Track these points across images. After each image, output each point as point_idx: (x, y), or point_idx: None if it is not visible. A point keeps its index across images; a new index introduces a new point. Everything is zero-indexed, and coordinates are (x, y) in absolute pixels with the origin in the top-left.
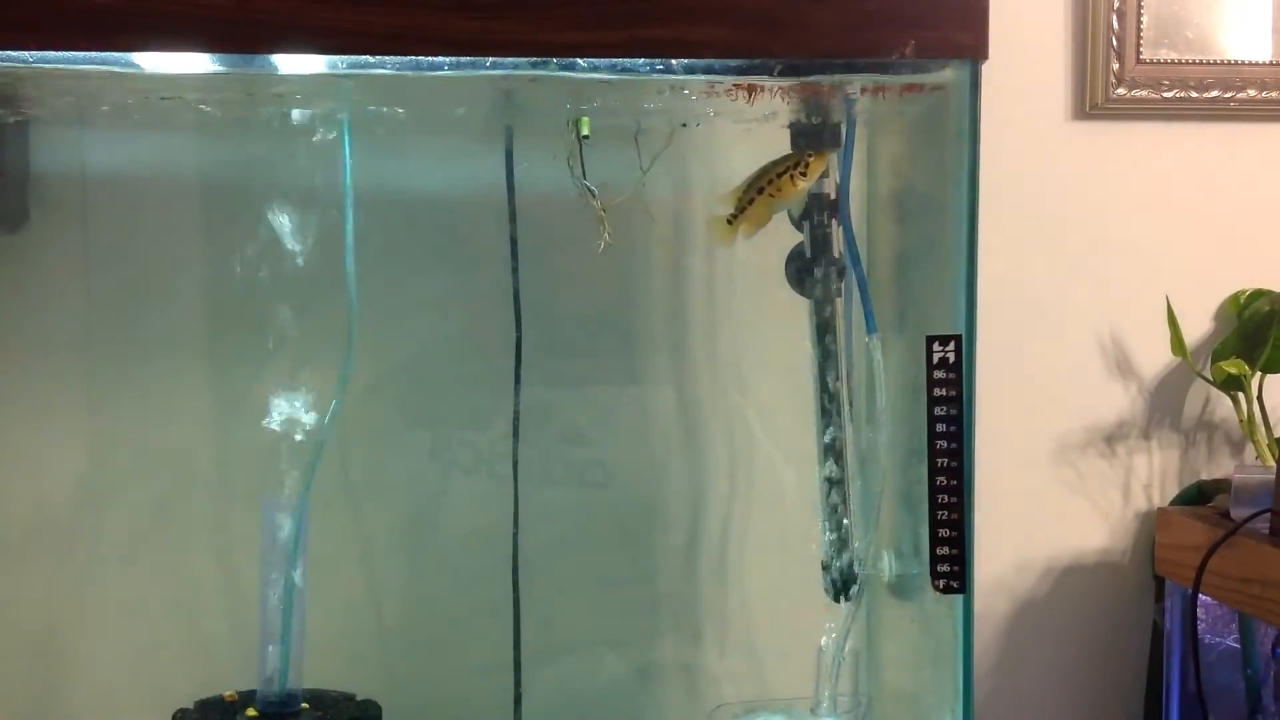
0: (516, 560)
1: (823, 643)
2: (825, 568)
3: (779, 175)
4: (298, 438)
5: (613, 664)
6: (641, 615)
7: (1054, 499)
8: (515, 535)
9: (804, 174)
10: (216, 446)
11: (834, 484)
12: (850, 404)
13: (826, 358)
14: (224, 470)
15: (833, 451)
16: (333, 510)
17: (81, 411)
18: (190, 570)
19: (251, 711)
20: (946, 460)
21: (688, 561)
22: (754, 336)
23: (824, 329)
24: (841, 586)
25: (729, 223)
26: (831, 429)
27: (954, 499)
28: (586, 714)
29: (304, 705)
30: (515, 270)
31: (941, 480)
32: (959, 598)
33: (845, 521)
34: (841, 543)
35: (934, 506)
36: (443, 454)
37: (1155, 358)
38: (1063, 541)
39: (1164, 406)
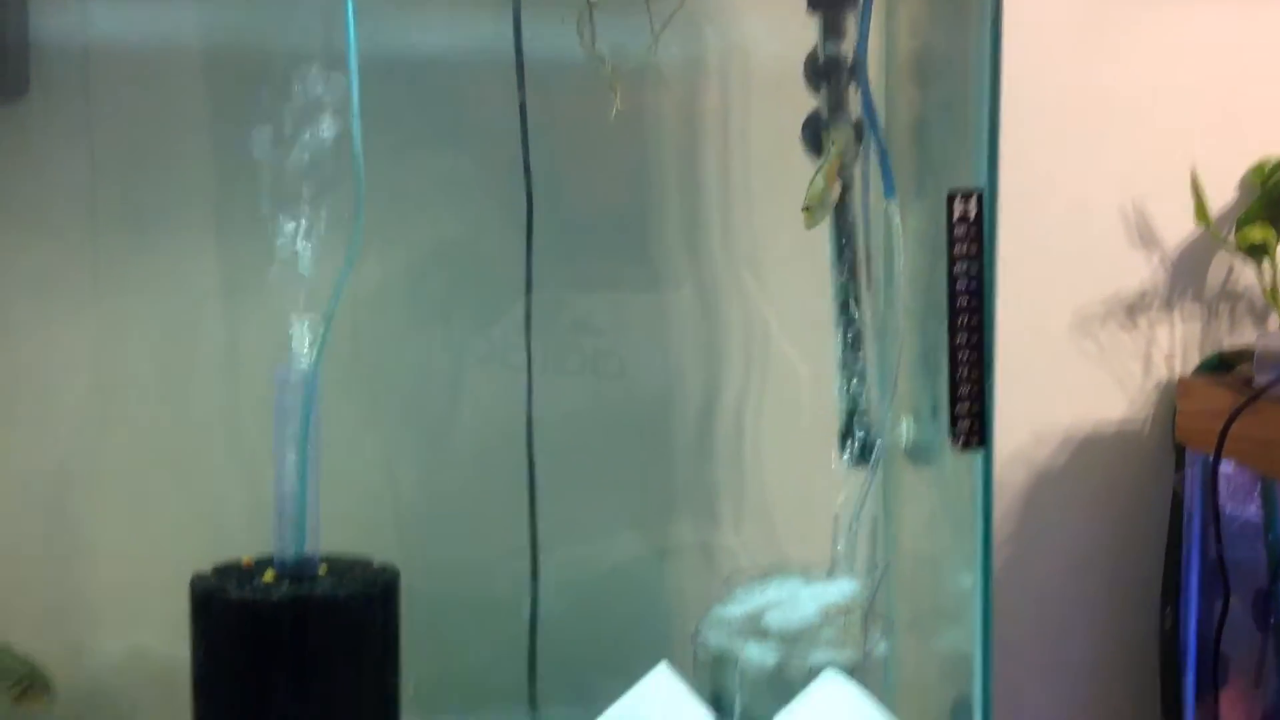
0: (531, 439)
1: (840, 509)
2: (842, 435)
3: (826, 163)
4: (307, 311)
5: (628, 543)
6: (657, 495)
7: (1073, 370)
8: (529, 412)
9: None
10: (225, 320)
11: (851, 350)
12: (868, 270)
13: (843, 223)
14: (233, 343)
15: (849, 317)
16: (345, 387)
17: (88, 285)
18: (203, 441)
19: (269, 575)
20: (967, 317)
21: (702, 440)
22: (770, 211)
23: (841, 191)
24: (858, 453)
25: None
26: (848, 295)
27: (974, 355)
28: (603, 589)
29: (321, 569)
30: (525, 140)
31: (961, 337)
32: (978, 457)
33: (862, 388)
34: (858, 409)
35: (954, 364)
36: (453, 333)
37: (1178, 227)
38: (1082, 412)
39: (1186, 276)
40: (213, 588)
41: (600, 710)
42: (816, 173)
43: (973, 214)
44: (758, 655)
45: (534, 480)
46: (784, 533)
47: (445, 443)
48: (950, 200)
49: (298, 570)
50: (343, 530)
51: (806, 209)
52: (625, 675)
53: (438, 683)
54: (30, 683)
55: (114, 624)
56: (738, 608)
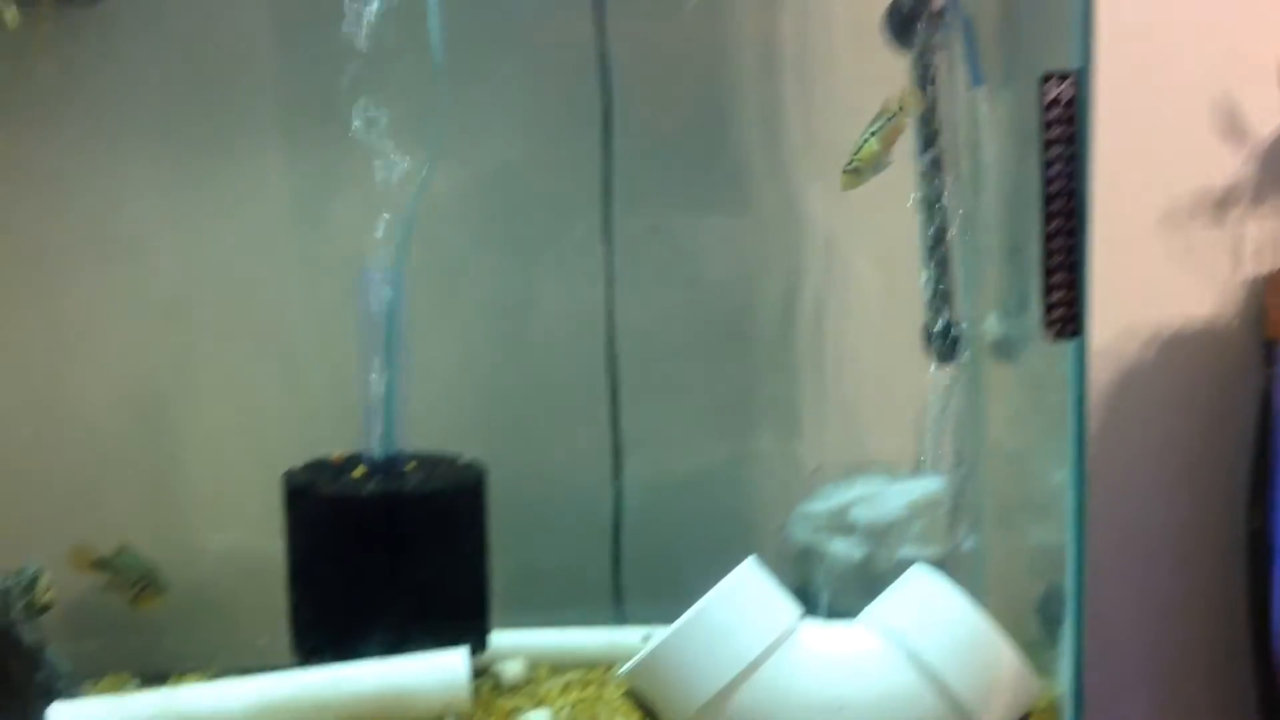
0: (613, 342)
1: (925, 407)
2: (927, 332)
3: (884, 125)
4: (388, 213)
5: (710, 445)
6: (738, 398)
7: (1161, 265)
8: (610, 315)
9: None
10: (311, 222)
11: (936, 245)
12: (954, 162)
13: (929, 113)
14: (319, 245)
15: (934, 212)
16: (430, 289)
17: (172, 189)
18: (292, 343)
19: (359, 471)
20: (1062, 202)
21: (784, 343)
22: (850, 107)
23: (925, 83)
24: (944, 350)
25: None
26: (933, 189)
27: (1068, 242)
28: (686, 490)
29: (409, 466)
30: (601, 42)
31: (1056, 224)
32: (1071, 348)
33: (947, 284)
34: (943, 306)
35: (1047, 252)
36: (533, 237)
37: (1269, 119)
38: (1170, 308)
39: (1277, 170)
40: (304, 483)
41: (683, 607)
42: (873, 133)
43: (1067, 97)
44: (844, 550)
45: (616, 382)
46: (866, 433)
47: (528, 346)
48: (1044, 82)
49: (386, 466)
50: (429, 429)
51: (854, 170)
52: (707, 574)
53: (523, 580)
54: (146, 584)
55: (209, 521)
56: (823, 504)
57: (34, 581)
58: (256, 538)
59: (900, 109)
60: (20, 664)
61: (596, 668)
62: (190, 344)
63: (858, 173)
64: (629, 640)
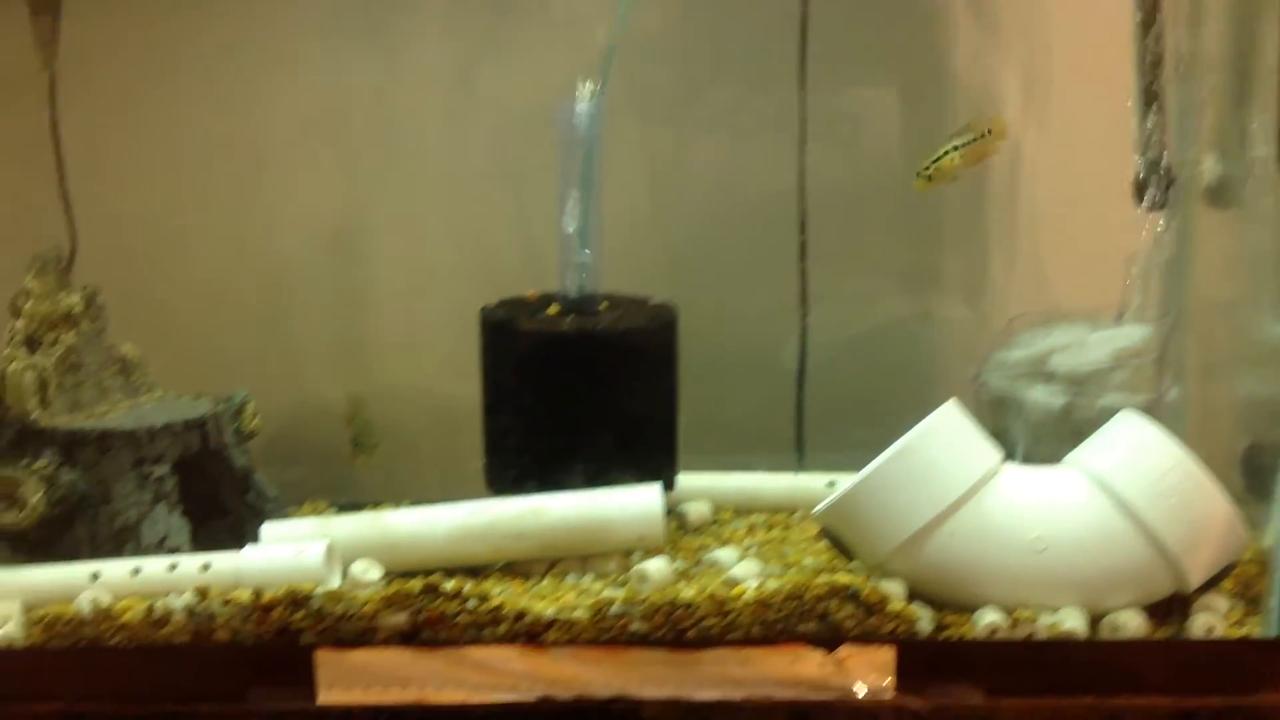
0: (804, 197)
1: (1132, 252)
2: (1138, 177)
3: (969, 143)
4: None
5: (896, 301)
6: (929, 249)
7: None
8: (802, 166)
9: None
10: (505, 61)
11: (1151, 82)
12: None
13: None
14: (512, 85)
15: (1148, 50)
16: (624, 133)
17: (365, 28)
18: (479, 185)
19: (554, 308)
20: None
21: (979, 193)
22: None
23: None
24: (1157, 193)
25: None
26: (1148, 26)
27: None
28: (872, 342)
29: (601, 305)
30: None
31: None
32: None
33: (1162, 124)
34: (1155, 149)
35: None
36: (729, 88)
37: None
38: None
39: None
40: (503, 318)
41: (865, 458)
42: (955, 147)
43: None
44: (1043, 397)
45: (805, 235)
46: (1059, 285)
47: (720, 196)
48: None
49: (580, 305)
50: (618, 271)
51: (928, 178)
52: (891, 425)
53: (707, 426)
54: (362, 439)
55: (399, 360)
56: (1021, 351)
57: (242, 407)
58: (443, 378)
59: (989, 132)
60: (231, 485)
61: (779, 512)
62: (380, 182)
63: (931, 180)
64: (813, 486)
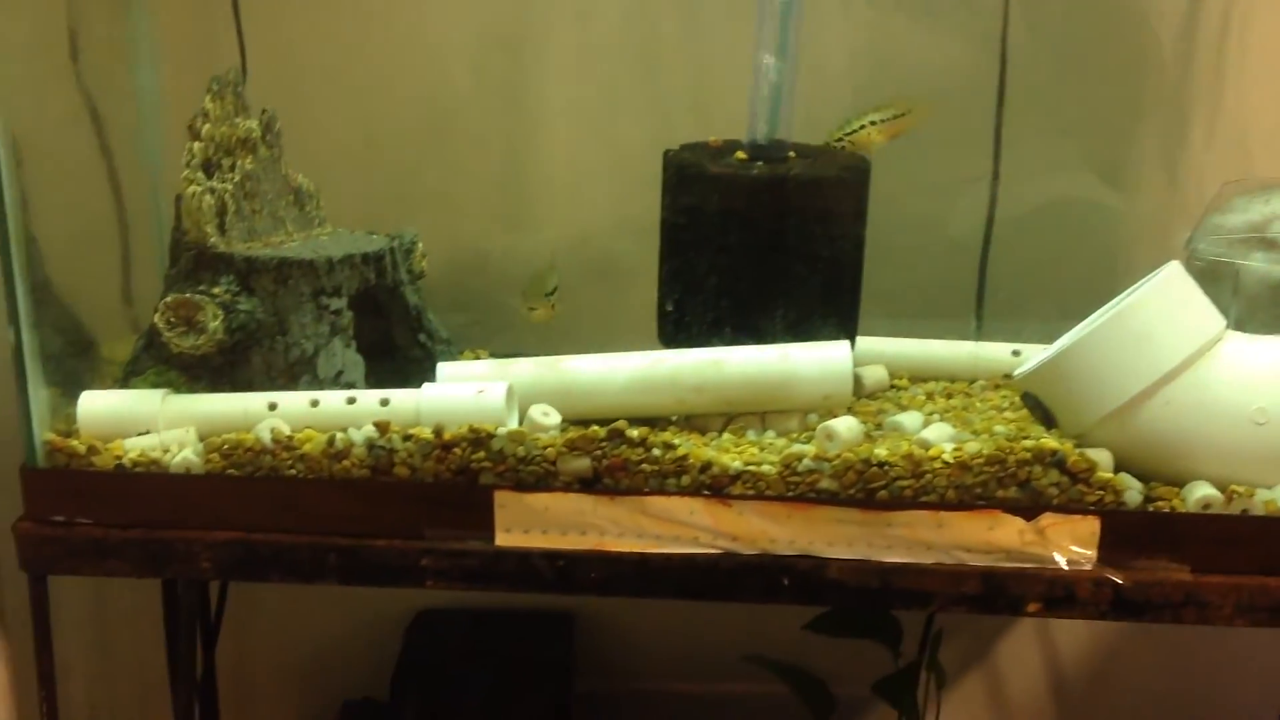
0: (1004, 71)
1: None
2: None
3: (888, 119)
4: None
5: (1086, 176)
6: (1124, 120)
7: None
8: (1004, 36)
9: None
10: None
11: None
12: None
13: None
14: None
15: None
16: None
17: None
18: (664, 18)
19: (740, 154)
20: None
21: (1183, 59)
22: None
23: None
24: None
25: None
26: None
27: None
28: (1061, 213)
29: (791, 154)
30: None
31: None
32: None
33: None
34: None
35: None
36: None
37: None
38: None
39: None
40: (690, 161)
41: (1046, 328)
42: (872, 122)
43: None
44: (1263, 265)
45: (1001, 108)
46: (1266, 155)
47: (917, 52)
48: None
49: (768, 153)
50: (807, 131)
51: (839, 147)
52: (1075, 298)
53: (887, 290)
54: (548, 304)
55: (562, 211)
56: (1237, 217)
57: (412, 246)
58: (608, 227)
59: (910, 111)
60: (404, 324)
61: (957, 380)
62: (548, 27)
63: (842, 150)
64: (997, 354)
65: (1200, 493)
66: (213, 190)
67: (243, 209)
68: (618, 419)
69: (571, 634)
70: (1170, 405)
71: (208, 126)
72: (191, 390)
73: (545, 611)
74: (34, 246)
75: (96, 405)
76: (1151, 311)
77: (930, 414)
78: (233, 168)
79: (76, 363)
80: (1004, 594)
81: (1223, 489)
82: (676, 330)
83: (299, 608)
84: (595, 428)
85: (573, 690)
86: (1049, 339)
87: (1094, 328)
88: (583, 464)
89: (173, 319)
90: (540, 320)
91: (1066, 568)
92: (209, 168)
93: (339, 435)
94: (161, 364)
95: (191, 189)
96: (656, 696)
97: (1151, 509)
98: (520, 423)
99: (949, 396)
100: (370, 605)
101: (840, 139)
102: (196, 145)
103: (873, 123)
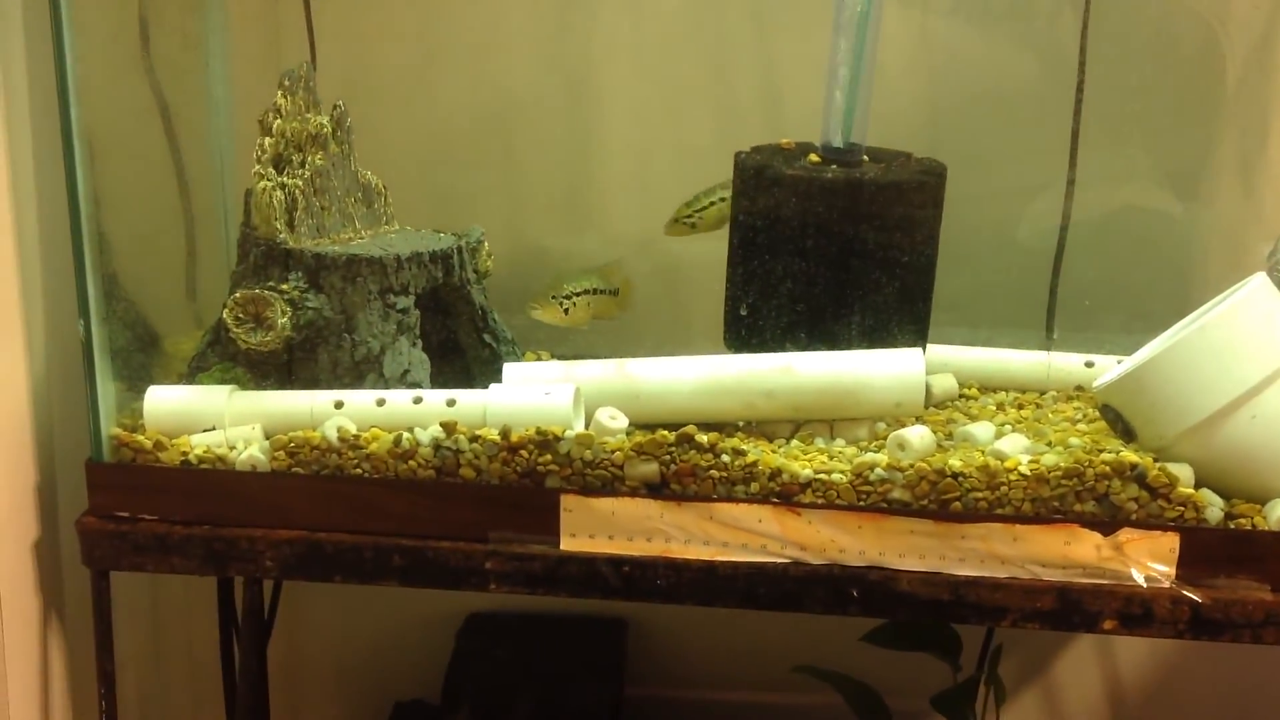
0: (1082, 84)
1: None
2: None
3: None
4: None
5: (1161, 190)
6: (1203, 125)
7: None
8: (1083, 43)
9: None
10: None
11: None
12: None
13: None
14: None
15: None
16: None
17: None
18: (723, 33)
19: (814, 156)
20: None
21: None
22: None
23: None
24: None
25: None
26: None
27: None
28: (1135, 223)
29: (864, 158)
30: None
31: None
32: None
33: None
34: None
35: None
36: None
37: None
38: None
39: None
40: (763, 163)
41: (1118, 341)
42: (723, 199)
43: None
44: None
45: (1078, 116)
46: None
47: (994, 58)
48: None
49: (842, 156)
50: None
51: (690, 225)
52: (1146, 315)
53: (957, 299)
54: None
55: (620, 213)
56: None
57: (478, 245)
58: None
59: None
60: (470, 323)
61: (1028, 391)
62: (616, 26)
63: (694, 228)
64: (1069, 365)
65: None
66: (283, 186)
67: (312, 205)
68: (684, 423)
69: (624, 639)
70: (1256, 420)
71: (279, 122)
72: (257, 387)
73: (596, 617)
74: (103, 241)
75: (163, 400)
76: (1238, 325)
77: (1001, 425)
78: (303, 164)
79: (142, 358)
80: (1079, 610)
81: None
82: (749, 334)
83: (350, 608)
84: (663, 432)
85: (624, 696)
86: (1122, 350)
87: (1178, 340)
88: (650, 469)
89: (241, 315)
90: (541, 320)
91: (1144, 585)
92: (279, 163)
93: (405, 435)
94: (227, 360)
95: (262, 184)
96: (707, 705)
97: (1232, 526)
98: (587, 426)
99: (1020, 407)
100: (422, 607)
101: (690, 219)
102: (268, 140)
103: (724, 199)
